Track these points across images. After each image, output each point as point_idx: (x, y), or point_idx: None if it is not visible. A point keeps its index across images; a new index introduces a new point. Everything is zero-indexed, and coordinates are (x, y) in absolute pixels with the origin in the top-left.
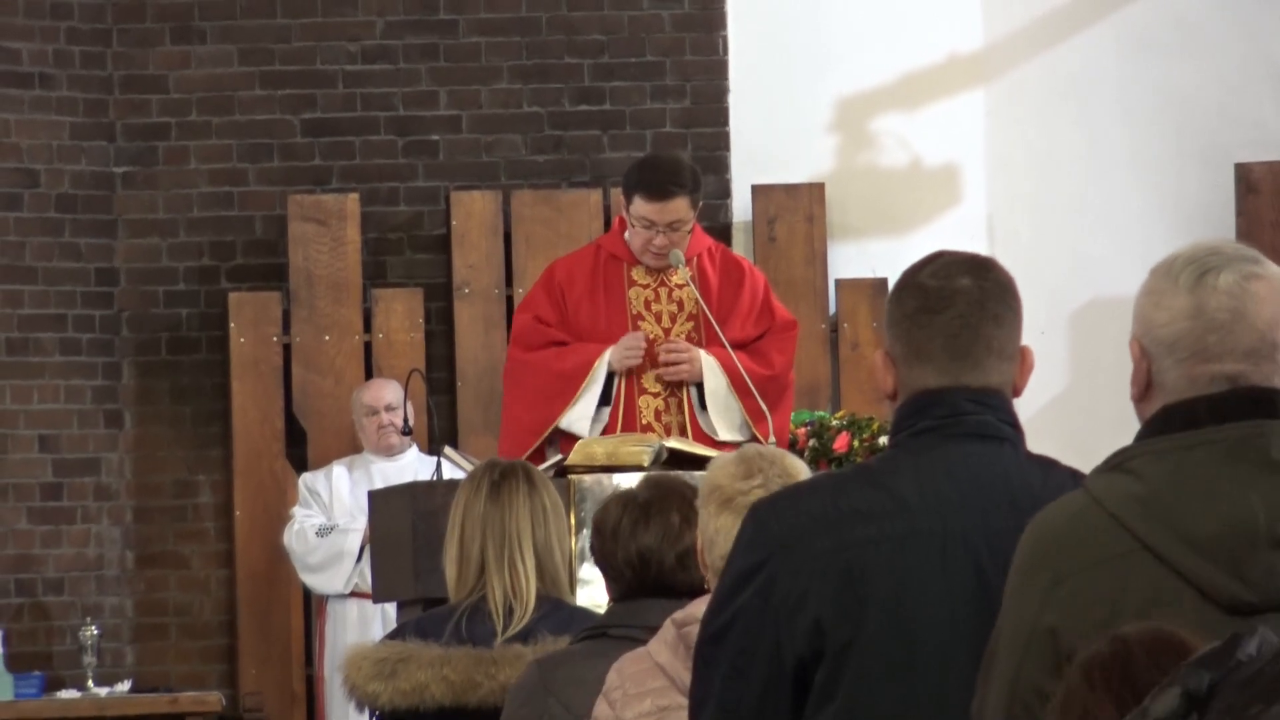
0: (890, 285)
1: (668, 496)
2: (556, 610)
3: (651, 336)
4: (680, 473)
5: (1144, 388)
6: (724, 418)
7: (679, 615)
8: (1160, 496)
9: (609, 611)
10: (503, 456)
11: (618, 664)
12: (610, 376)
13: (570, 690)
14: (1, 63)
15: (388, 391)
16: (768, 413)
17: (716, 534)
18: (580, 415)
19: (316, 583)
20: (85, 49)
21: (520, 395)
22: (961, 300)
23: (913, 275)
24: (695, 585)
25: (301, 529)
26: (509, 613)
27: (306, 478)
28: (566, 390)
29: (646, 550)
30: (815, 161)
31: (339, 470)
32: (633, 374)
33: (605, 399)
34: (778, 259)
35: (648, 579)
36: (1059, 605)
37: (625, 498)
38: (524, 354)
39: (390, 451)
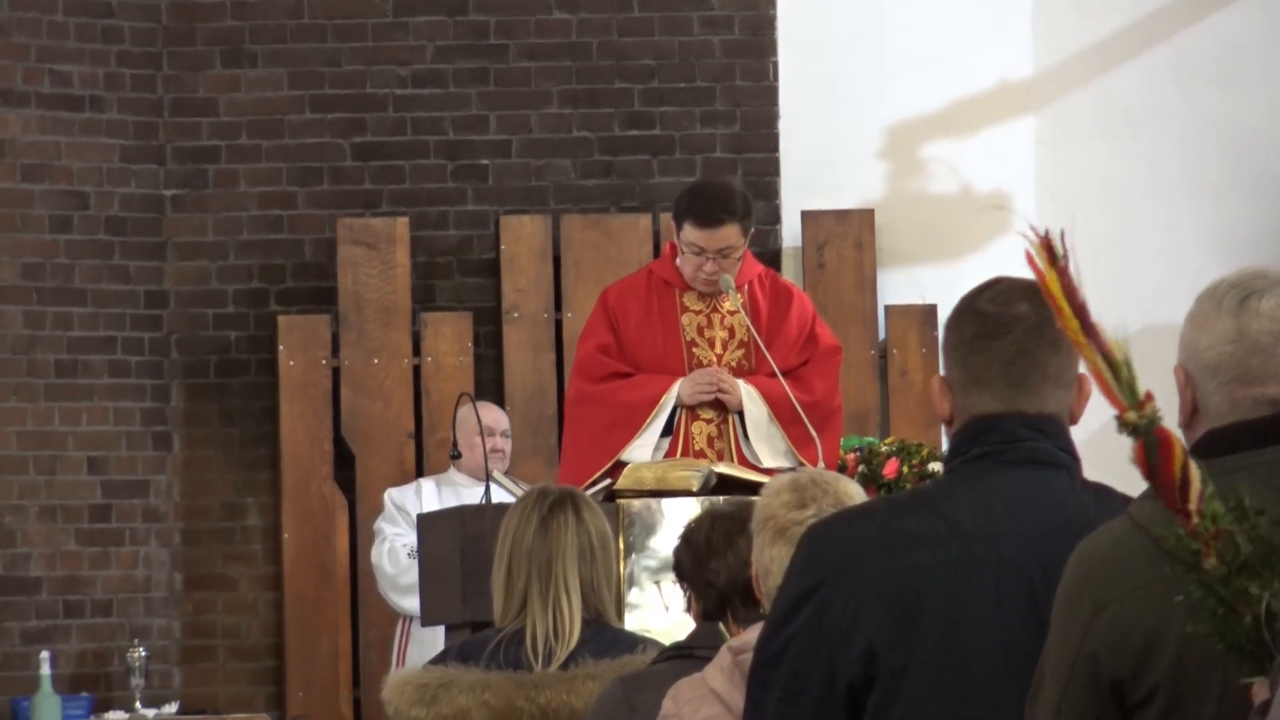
0: (940, 312)
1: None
2: (598, 634)
3: (706, 363)
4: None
5: (1190, 413)
6: (766, 445)
7: (735, 642)
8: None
9: (694, 633)
10: (563, 484)
11: (673, 690)
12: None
13: (656, 712)
14: (52, 85)
15: (504, 418)
16: (817, 438)
17: (771, 562)
18: (644, 445)
19: (409, 605)
20: (136, 72)
21: (584, 426)
22: (1019, 327)
23: (971, 301)
24: None
25: (394, 548)
26: (549, 653)
27: (394, 493)
28: (633, 421)
29: (729, 567)
30: (865, 187)
31: (428, 486)
32: None
33: (666, 428)
34: (827, 285)
35: (731, 595)
36: (1101, 631)
37: (714, 514)
38: (589, 385)
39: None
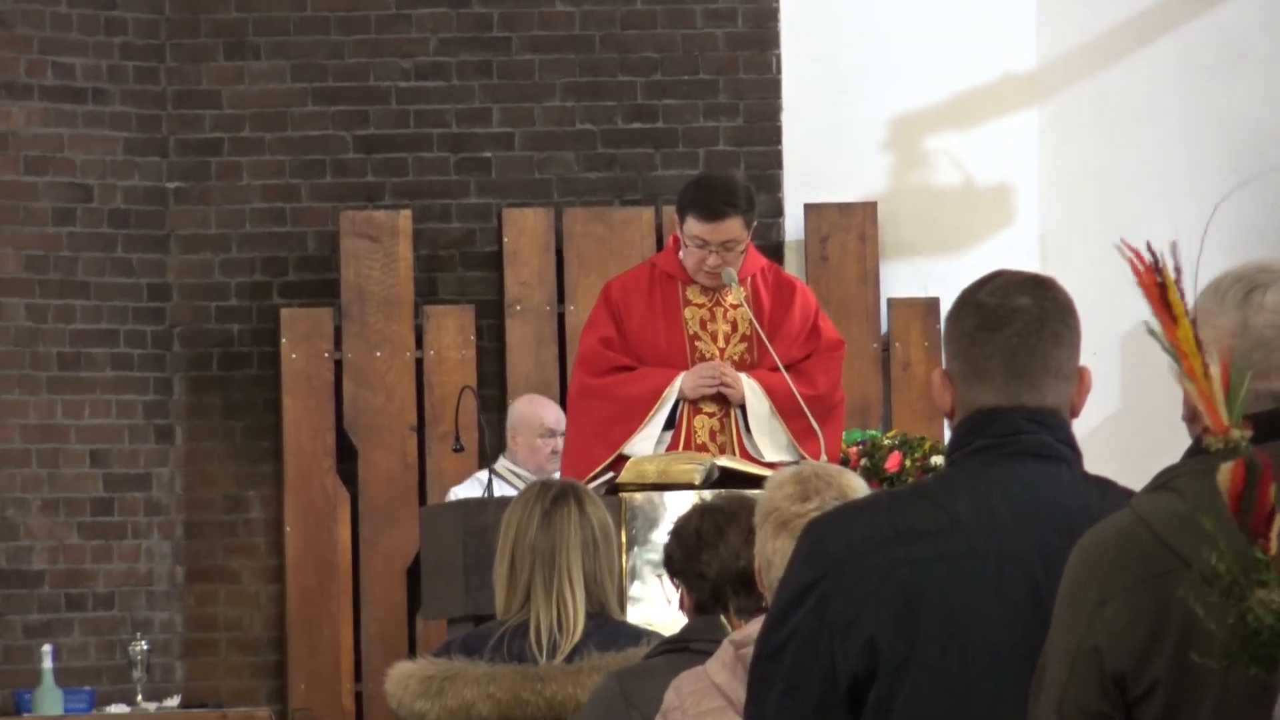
0: (943, 305)
1: (743, 509)
2: (601, 626)
3: (709, 356)
4: (749, 492)
5: (1193, 407)
6: (769, 439)
7: (736, 636)
8: (1203, 514)
9: (688, 626)
10: (565, 477)
11: (675, 683)
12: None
13: (652, 705)
14: (56, 77)
15: (564, 417)
16: (819, 432)
17: (774, 555)
18: (646, 438)
19: None
20: (139, 64)
21: (587, 419)
22: (1020, 319)
23: (972, 294)
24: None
25: None
26: (553, 646)
27: (459, 491)
28: (636, 415)
29: (720, 559)
30: (868, 180)
31: (486, 479)
32: None
33: (668, 422)
34: (830, 278)
35: (724, 586)
36: (1103, 624)
37: (702, 507)
38: (591, 379)
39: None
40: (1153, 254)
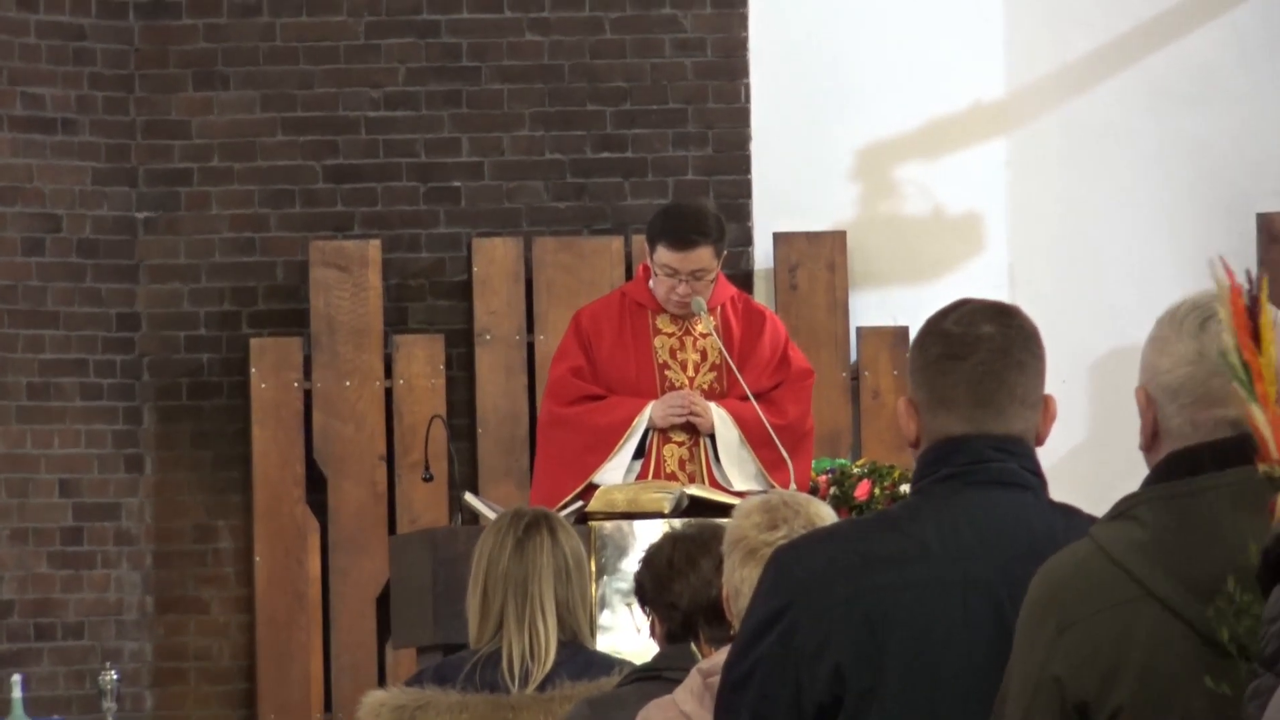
0: (912, 333)
1: (714, 538)
2: (574, 655)
3: (678, 385)
4: (721, 520)
5: (1151, 435)
6: (738, 467)
7: (704, 665)
8: (1163, 543)
9: (660, 654)
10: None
11: (644, 712)
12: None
13: None
14: (25, 108)
15: None
16: (789, 461)
17: (742, 583)
18: (616, 467)
19: None
20: (108, 94)
21: (556, 448)
22: (985, 347)
23: (936, 322)
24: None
25: None
26: (525, 675)
27: None
28: (605, 444)
29: (692, 588)
30: (837, 209)
31: None
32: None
33: (638, 450)
34: (799, 307)
35: (695, 616)
36: (1065, 653)
37: (674, 536)
38: (561, 408)
39: None
40: (1249, 279)
